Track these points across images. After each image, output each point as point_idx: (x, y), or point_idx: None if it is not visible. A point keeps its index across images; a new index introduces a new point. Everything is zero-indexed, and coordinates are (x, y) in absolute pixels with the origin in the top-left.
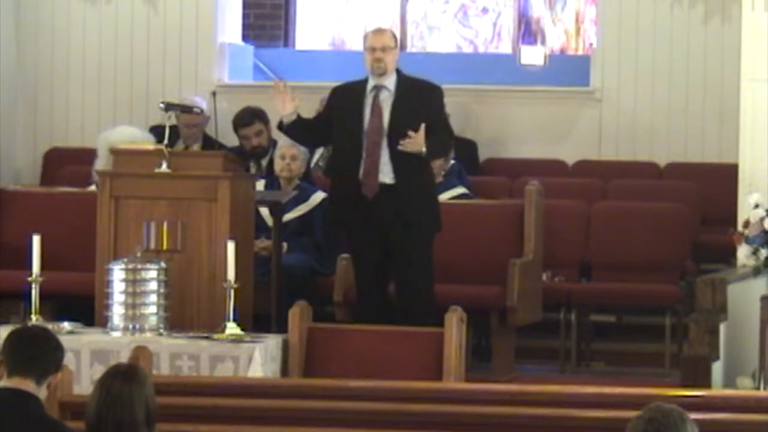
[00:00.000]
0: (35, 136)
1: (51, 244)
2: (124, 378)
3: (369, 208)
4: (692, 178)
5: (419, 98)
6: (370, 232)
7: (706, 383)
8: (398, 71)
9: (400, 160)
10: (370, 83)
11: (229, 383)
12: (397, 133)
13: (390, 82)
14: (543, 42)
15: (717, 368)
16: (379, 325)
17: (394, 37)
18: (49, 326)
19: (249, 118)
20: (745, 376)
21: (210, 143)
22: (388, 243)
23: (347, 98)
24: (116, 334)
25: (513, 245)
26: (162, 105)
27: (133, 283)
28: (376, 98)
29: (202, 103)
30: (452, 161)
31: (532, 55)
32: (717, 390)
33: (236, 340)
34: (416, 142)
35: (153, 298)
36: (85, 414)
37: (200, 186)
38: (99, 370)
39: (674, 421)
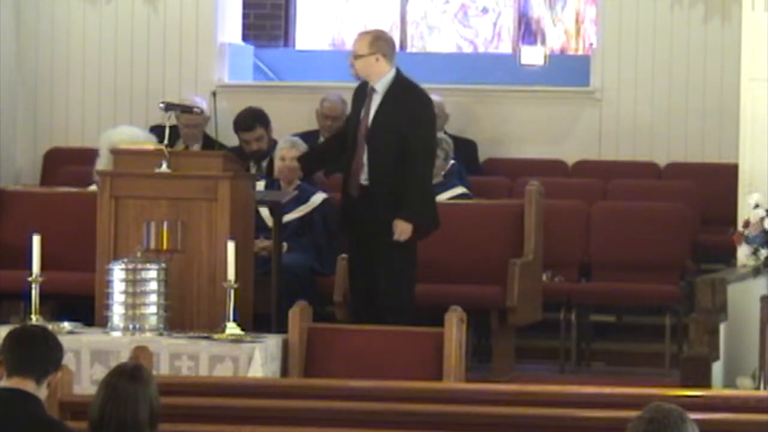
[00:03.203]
0: (35, 136)
1: (51, 244)
2: (129, 377)
3: (354, 207)
4: (692, 178)
5: (402, 105)
6: (355, 232)
7: (706, 383)
8: (398, 73)
9: (374, 162)
10: (370, 84)
11: (229, 383)
12: (373, 135)
13: (381, 84)
14: (543, 42)
15: (717, 368)
16: (378, 326)
17: (373, 43)
18: (49, 326)
19: (250, 122)
20: (745, 376)
21: (210, 143)
22: (368, 243)
23: (358, 98)
24: (116, 334)
25: (513, 245)
26: (162, 105)
27: (133, 283)
28: (370, 99)
29: (202, 103)
30: (452, 161)
31: (532, 55)
32: (717, 390)
33: (236, 340)
34: (402, 231)
35: (153, 298)
36: (89, 412)
37: (200, 186)
38: (99, 370)
39: (674, 421)
